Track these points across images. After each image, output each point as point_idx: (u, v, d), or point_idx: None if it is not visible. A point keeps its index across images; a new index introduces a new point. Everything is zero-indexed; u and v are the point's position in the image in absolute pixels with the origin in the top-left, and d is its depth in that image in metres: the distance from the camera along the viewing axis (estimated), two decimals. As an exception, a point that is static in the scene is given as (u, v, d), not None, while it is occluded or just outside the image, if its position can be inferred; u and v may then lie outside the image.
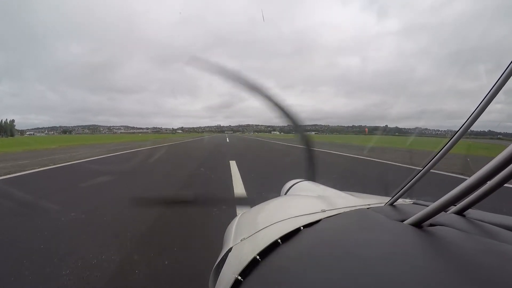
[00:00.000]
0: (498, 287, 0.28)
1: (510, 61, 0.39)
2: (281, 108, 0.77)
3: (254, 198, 3.54)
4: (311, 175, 1.12)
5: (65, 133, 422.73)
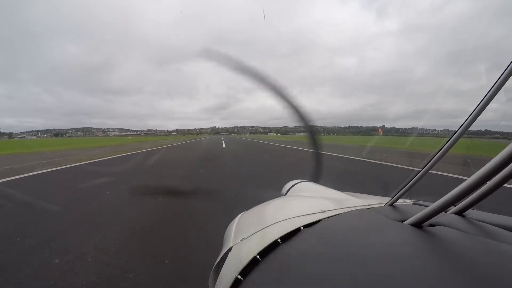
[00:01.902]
0: (498, 287, 0.28)
1: (510, 61, 0.40)
2: (295, 108, 0.76)
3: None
4: (316, 178, 1.12)
5: (57, 136, 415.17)
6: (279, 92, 0.69)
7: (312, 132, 0.80)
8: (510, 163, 0.29)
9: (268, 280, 0.39)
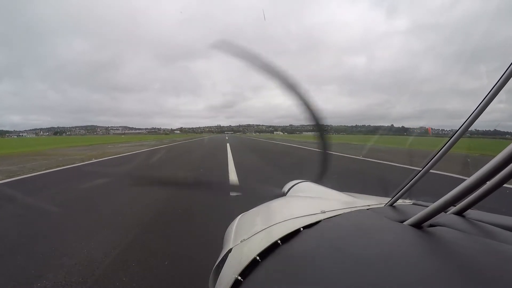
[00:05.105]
0: (498, 287, 0.28)
1: (511, 62, 0.39)
2: (307, 105, 0.73)
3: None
4: (320, 178, 1.10)
5: (56, 134, 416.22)
6: (291, 88, 0.67)
7: (322, 131, 0.79)
8: (510, 163, 0.29)
9: (268, 281, 0.39)
